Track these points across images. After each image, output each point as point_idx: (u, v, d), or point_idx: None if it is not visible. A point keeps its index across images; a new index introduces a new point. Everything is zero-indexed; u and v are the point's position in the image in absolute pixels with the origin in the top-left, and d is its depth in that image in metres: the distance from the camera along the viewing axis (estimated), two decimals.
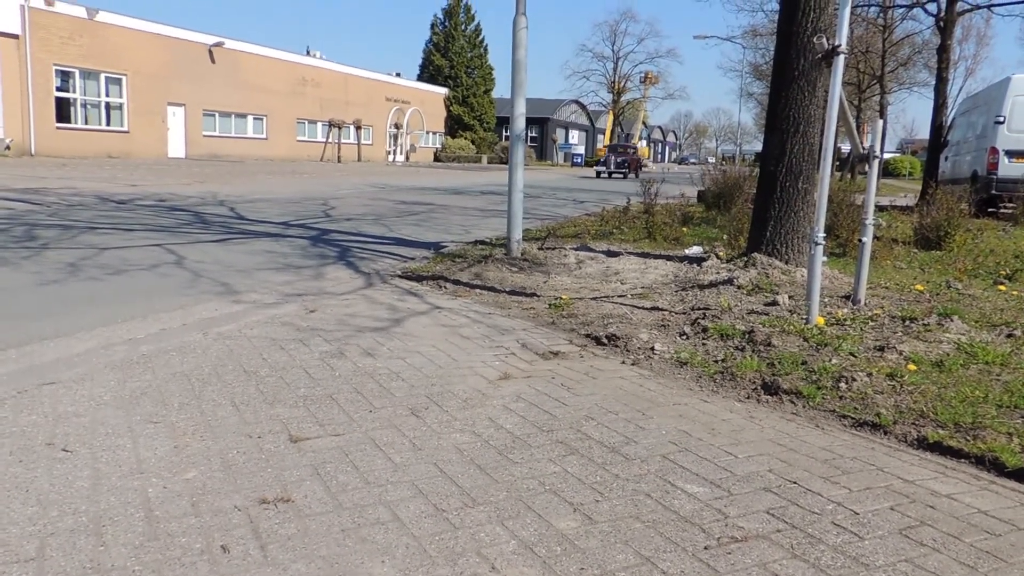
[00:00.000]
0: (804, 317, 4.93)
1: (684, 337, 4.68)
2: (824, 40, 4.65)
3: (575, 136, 75.76)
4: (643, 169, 43.40)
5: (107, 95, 30.87)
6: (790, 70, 6.54)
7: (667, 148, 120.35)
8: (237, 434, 2.98)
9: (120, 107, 31.47)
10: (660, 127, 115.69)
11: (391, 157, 50.18)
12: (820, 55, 4.73)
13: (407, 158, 51.06)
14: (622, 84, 68.49)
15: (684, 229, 10.19)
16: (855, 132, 5.82)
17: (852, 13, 4.97)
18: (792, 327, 4.76)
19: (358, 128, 46.06)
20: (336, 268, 7.08)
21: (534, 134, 65.43)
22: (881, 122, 5.35)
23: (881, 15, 26.88)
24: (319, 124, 43.63)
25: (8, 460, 2.63)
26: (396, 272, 6.86)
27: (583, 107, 75.64)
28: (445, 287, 6.21)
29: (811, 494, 2.64)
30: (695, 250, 8.29)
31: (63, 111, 29.00)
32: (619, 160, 39.81)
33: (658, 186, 11.16)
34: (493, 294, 5.99)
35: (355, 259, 7.67)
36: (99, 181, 17.17)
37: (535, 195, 19.51)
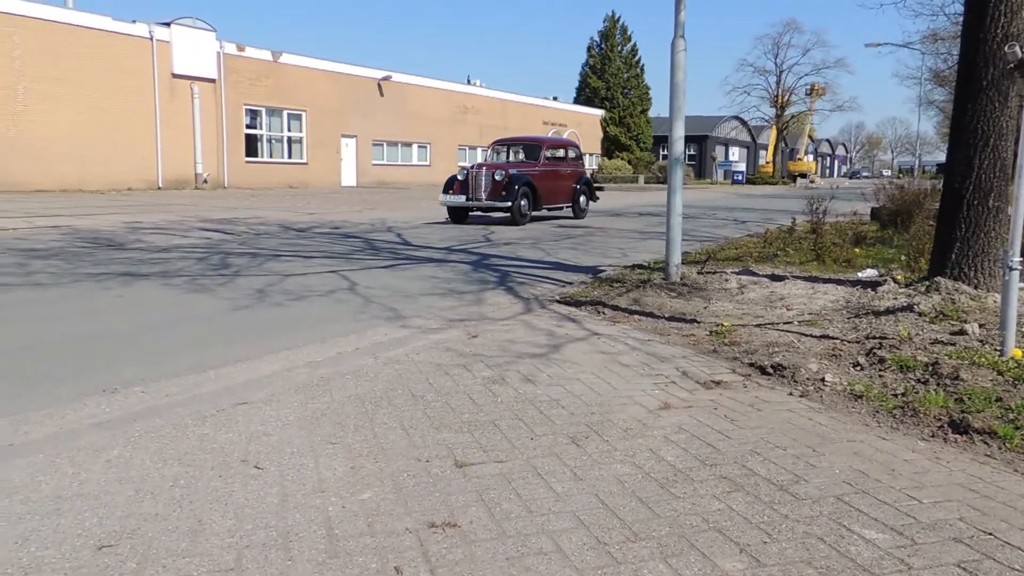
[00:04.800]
0: (998, 348, 4.51)
1: (858, 368, 4.42)
2: (1017, 49, 4.28)
3: (735, 153, 73.61)
4: (590, 201, 18.95)
5: (289, 130, 33.52)
6: (977, 80, 6.05)
7: (836, 162, 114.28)
8: (407, 457, 3.13)
9: (300, 141, 34.06)
10: (828, 140, 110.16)
11: None
12: (1012, 65, 4.36)
13: None
14: (786, 98, 65.74)
15: (856, 250, 9.61)
16: None
17: None
18: (984, 359, 4.36)
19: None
20: (496, 293, 7.27)
21: (692, 152, 64.25)
22: None
23: None
24: (479, 150, 45.07)
25: (210, 475, 2.90)
26: (554, 297, 6.94)
27: (744, 123, 73.40)
28: (603, 313, 6.21)
29: (1010, 548, 2.41)
30: (869, 273, 7.80)
31: (251, 146, 31.79)
32: (499, 180, 15.42)
33: (827, 203, 10.62)
34: (652, 320, 5.92)
35: (514, 284, 7.84)
36: (281, 211, 18.61)
37: (693, 215, 19.10)
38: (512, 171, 15.79)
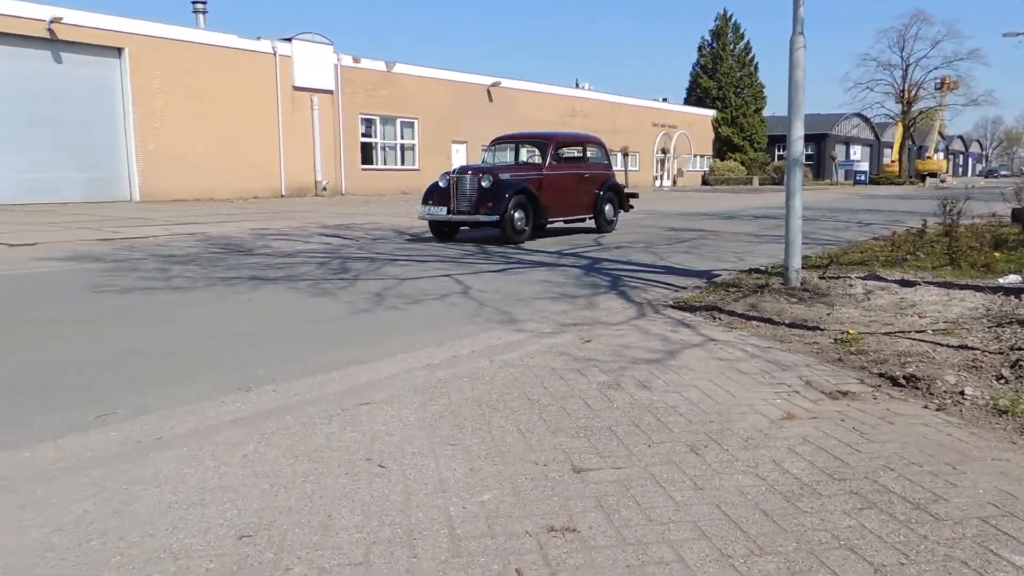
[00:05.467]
0: None
1: (1002, 381, 4.13)
2: None
3: (857, 151, 70.34)
4: (619, 211, 15.41)
5: (402, 137, 34.48)
6: None
7: (970, 160, 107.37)
8: (524, 461, 3.15)
9: (412, 147, 34.98)
10: (961, 137, 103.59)
11: (658, 182, 50.22)
12: None
13: (674, 183, 50.75)
14: (913, 93, 62.03)
15: (996, 254, 8.98)
16: None
17: None
18: None
19: (625, 155, 46.66)
20: (608, 298, 7.22)
21: (810, 151, 61.83)
22: None
23: None
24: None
25: (337, 472, 3.02)
26: (668, 302, 6.83)
27: (866, 120, 69.97)
28: (719, 318, 6.07)
29: None
30: (1012, 279, 7.28)
31: (366, 154, 32.89)
32: (485, 187, 12.38)
33: (961, 204, 9.98)
34: (771, 326, 5.73)
35: (626, 288, 7.77)
36: (396, 216, 19.16)
37: (813, 217, 18.37)
38: (504, 175, 12.62)
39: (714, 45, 56.22)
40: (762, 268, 8.78)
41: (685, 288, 7.67)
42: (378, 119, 33.18)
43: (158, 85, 25.08)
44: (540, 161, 13.77)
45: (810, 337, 5.35)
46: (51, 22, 22.21)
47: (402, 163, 34.73)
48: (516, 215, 12.45)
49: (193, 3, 29.19)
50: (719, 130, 55.25)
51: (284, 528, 2.54)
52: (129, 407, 3.85)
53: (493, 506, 2.72)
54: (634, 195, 16.08)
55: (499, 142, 15.48)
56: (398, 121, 34.08)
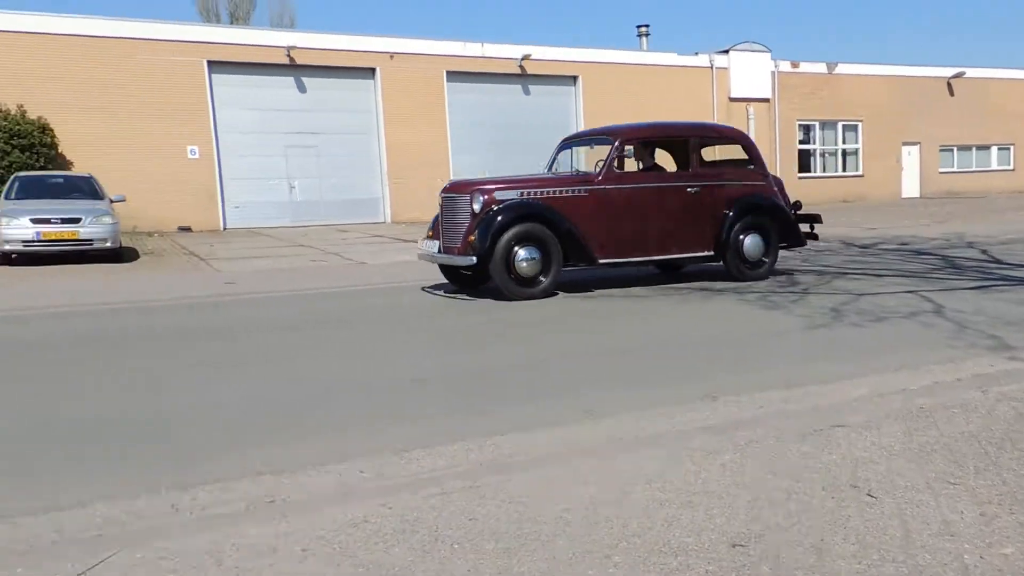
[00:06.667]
0: None
1: None
2: None
3: None
4: (778, 247, 9.25)
5: (843, 142, 32.32)
6: None
7: None
8: None
9: (855, 152, 32.57)
10: None
11: None
12: None
13: None
14: None
15: None
16: None
17: None
18: None
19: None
20: None
21: None
22: None
23: None
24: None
25: (821, 495, 2.90)
26: None
27: None
28: None
29: None
30: None
31: (803, 161, 31.55)
32: (477, 211, 8.02)
33: None
34: None
35: None
36: (839, 226, 17.97)
37: None
38: (504, 193, 8.14)
39: None
40: None
41: None
42: (816, 124, 31.65)
43: (605, 106, 27.25)
44: (601, 169, 8.60)
45: None
46: (522, 59, 25.61)
47: (843, 169, 32.60)
48: (521, 254, 7.96)
49: (637, 27, 31.10)
50: None
51: (775, 544, 2.51)
52: (605, 405, 4.19)
53: (1019, 563, 2.35)
54: (815, 218, 9.73)
55: (568, 142, 10.16)
56: (839, 125, 32.09)
